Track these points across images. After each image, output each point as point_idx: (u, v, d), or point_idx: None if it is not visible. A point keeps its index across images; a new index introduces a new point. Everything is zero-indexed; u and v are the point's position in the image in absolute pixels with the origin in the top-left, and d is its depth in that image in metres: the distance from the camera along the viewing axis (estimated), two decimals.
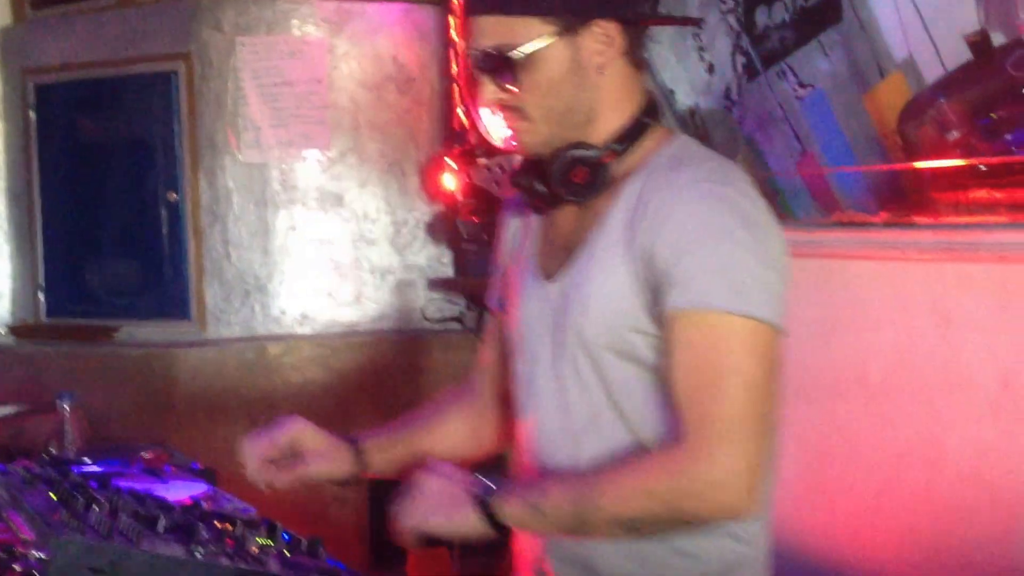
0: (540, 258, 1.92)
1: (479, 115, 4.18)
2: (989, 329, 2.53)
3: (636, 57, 1.84)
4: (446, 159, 4.45)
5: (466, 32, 1.83)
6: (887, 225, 2.78)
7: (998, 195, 2.69)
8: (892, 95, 2.90)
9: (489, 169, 4.11)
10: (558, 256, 1.87)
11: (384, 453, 2.08)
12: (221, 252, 4.58)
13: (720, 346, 1.66)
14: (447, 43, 4.64)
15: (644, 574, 1.80)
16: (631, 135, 1.82)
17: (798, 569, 2.92)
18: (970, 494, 2.55)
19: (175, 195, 4.58)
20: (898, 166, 2.95)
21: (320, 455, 2.00)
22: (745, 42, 3.23)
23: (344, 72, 4.61)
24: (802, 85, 3.12)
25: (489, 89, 1.79)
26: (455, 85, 4.59)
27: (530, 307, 1.91)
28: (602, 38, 1.77)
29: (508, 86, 1.77)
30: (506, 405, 2.06)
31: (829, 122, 3.07)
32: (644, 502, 1.66)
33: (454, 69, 4.57)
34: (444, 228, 4.71)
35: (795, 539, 2.93)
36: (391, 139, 4.67)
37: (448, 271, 4.76)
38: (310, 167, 4.61)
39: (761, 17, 3.17)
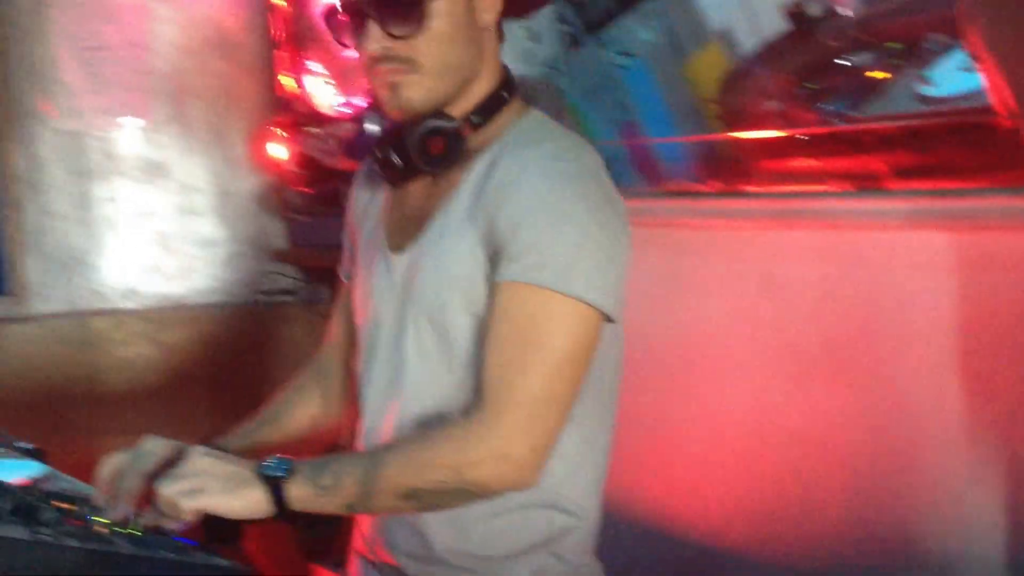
0: (389, 231, 1.90)
1: (305, 82, 4.13)
2: (812, 295, 2.61)
3: (502, 28, 1.83)
4: (273, 128, 4.37)
5: None
6: (717, 194, 2.84)
7: (819, 164, 2.78)
8: (710, 65, 2.96)
9: (318, 138, 4.05)
10: (408, 229, 1.85)
11: (250, 453, 1.94)
12: (40, 224, 4.40)
13: (536, 322, 1.67)
14: (268, 7, 4.54)
15: (470, 545, 1.81)
16: (490, 108, 1.81)
17: (635, 538, 2.98)
18: (799, 456, 2.63)
19: None
20: (717, 136, 3.02)
21: None
22: (567, 11, 3.26)
23: (163, 36, 4.47)
24: (624, 54, 3.16)
25: (376, 37, 1.73)
26: (278, 50, 4.50)
27: (377, 280, 1.89)
28: None
29: (401, 34, 1.72)
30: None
31: (651, 92, 3.12)
32: (430, 471, 1.65)
33: (278, 33, 4.48)
34: (274, 199, 4.62)
35: (633, 505, 2.99)
36: (215, 106, 4.55)
37: (279, 243, 4.66)
38: (131, 135, 4.46)
39: None
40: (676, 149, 3.07)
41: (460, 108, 1.80)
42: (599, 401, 1.83)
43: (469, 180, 1.78)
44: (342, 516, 1.91)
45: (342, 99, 4.16)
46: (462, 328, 1.76)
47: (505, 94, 1.83)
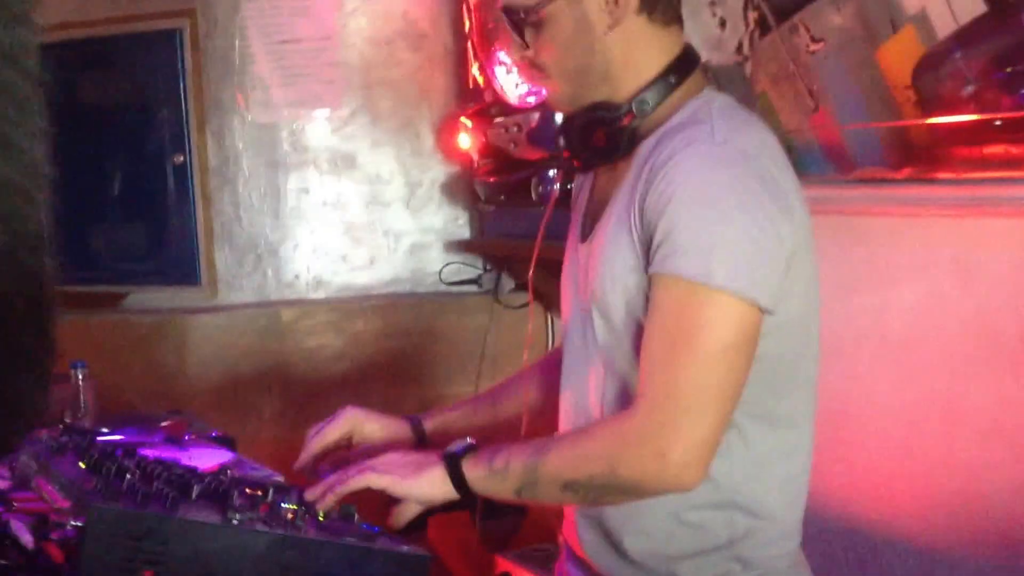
0: (582, 220, 1.92)
1: (494, 72, 4.14)
2: (1010, 284, 2.51)
3: (659, 14, 1.81)
4: (461, 118, 4.36)
5: None
6: (908, 181, 2.76)
7: (1016, 150, 2.68)
8: (904, 50, 2.87)
9: (505, 128, 4.03)
10: (591, 218, 1.87)
11: (444, 428, 2.06)
12: (231, 216, 4.52)
13: (682, 314, 1.63)
14: None
15: (651, 545, 1.80)
16: (656, 93, 1.79)
17: (817, 526, 2.92)
18: (991, 449, 2.53)
19: (181, 157, 4.50)
20: (912, 122, 2.93)
21: (379, 446, 1.96)
22: None
23: (353, 28, 4.51)
24: (814, 40, 3.09)
25: (513, 46, 1.81)
26: (468, 42, 4.45)
27: (567, 271, 1.93)
28: (599, 3, 1.76)
29: (525, 42, 1.78)
30: None
31: (841, 78, 3.05)
32: (586, 464, 1.64)
33: (466, 25, 4.44)
34: (460, 189, 4.62)
35: (814, 496, 2.94)
36: (403, 98, 4.58)
37: (464, 233, 4.66)
38: (320, 127, 4.54)
39: None
40: (867, 136, 2.99)
41: (623, 94, 1.79)
42: (783, 397, 1.78)
43: (634, 166, 1.77)
44: (524, 507, 1.95)
45: (528, 89, 4.16)
46: (624, 324, 1.75)
47: (673, 79, 1.80)
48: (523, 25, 1.78)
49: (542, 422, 2.08)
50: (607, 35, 1.77)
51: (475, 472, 1.68)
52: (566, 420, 1.90)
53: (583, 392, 1.84)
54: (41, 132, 0.91)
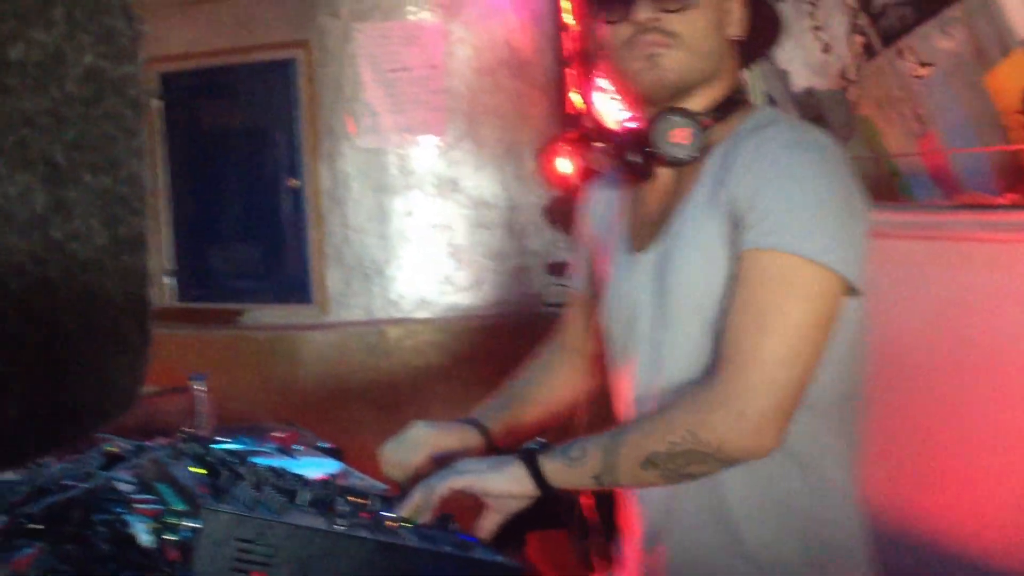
0: (629, 233, 1.96)
1: (594, 98, 4.18)
2: None
3: (745, 41, 1.91)
4: (561, 143, 4.43)
5: None
6: (1012, 207, 2.74)
7: None
8: (1014, 74, 2.85)
9: (604, 153, 4.07)
10: (648, 229, 1.91)
11: (505, 429, 2.13)
12: (341, 237, 4.64)
13: (773, 285, 1.68)
14: (560, 26, 4.62)
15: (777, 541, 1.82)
16: (727, 107, 1.87)
17: (909, 551, 2.90)
18: None
19: (296, 181, 4.65)
20: (1018, 147, 2.91)
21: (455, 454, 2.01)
22: (863, 20, 3.19)
23: (459, 57, 4.63)
24: (922, 64, 3.07)
25: (647, 7, 1.81)
26: (569, 68, 4.54)
27: (622, 281, 1.95)
28: (738, 11, 1.87)
29: (675, 8, 1.80)
30: (594, 366, 2.12)
31: (949, 103, 3.02)
32: (666, 433, 1.68)
33: (568, 52, 4.53)
34: (560, 212, 4.66)
35: (908, 522, 2.91)
36: (506, 124, 4.67)
37: (565, 255, 4.66)
38: (427, 152, 4.64)
39: None
40: (975, 161, 2.97)
41: (699, 106, 1.85)
42: (844, 387, 1.82)
43: (707, 171, 1.82)
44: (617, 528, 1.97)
45: (628, 115, 4.19)
46: (712, 319, 1.78)
47: (739, 97, 1.90)
48: None
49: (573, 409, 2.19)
50: (727, 40, 1.87)
51: (553, 465, 1.73)
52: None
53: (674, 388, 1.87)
54: (142, 150, 1.00)
